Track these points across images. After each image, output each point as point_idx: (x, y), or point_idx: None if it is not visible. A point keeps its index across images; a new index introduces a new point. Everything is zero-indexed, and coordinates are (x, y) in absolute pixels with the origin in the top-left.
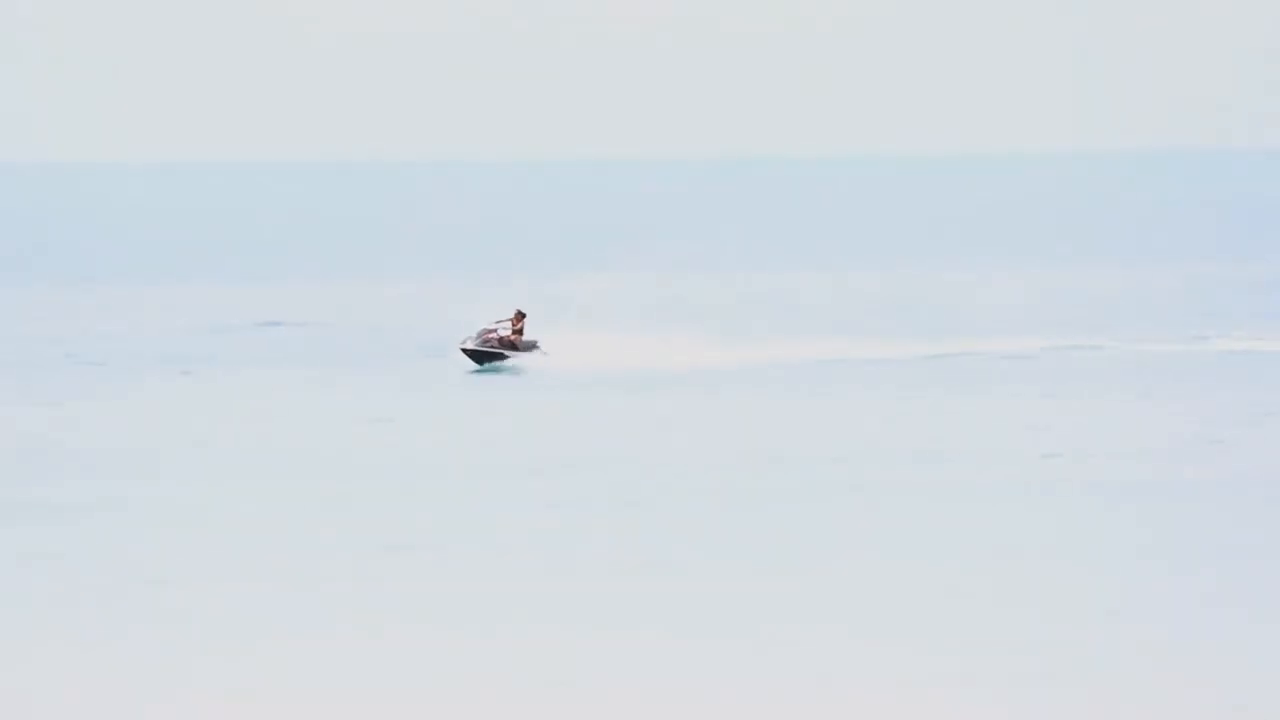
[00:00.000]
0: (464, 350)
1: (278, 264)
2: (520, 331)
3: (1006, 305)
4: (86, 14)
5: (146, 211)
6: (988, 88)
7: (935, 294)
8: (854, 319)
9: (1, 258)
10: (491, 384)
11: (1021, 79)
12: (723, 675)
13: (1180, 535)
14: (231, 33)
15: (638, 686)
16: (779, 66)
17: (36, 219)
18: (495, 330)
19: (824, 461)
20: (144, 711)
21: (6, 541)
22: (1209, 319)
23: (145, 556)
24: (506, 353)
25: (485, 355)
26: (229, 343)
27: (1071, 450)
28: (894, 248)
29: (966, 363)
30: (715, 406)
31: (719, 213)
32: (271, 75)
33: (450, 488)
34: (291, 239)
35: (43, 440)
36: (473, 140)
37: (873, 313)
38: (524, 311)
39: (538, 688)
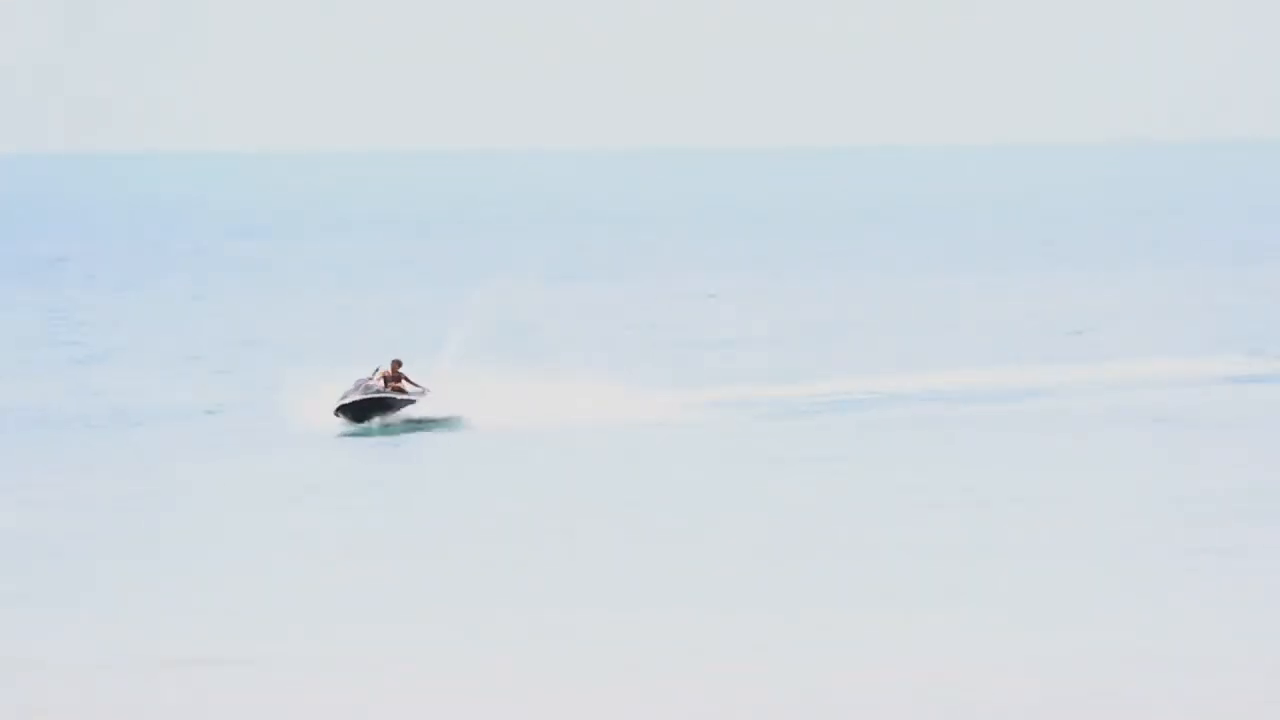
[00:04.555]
0: (341, 408)
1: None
2: (396, 379)
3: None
4: None
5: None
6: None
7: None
8: (786, 352)
9: None
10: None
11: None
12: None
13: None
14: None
15: None
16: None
17: None
18: (372, 383)
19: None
20: None
21: None
22: None
23: None
24: (391, 396)
25: (364, 406)
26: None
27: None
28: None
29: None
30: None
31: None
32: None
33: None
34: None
35: None
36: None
37: (808, 342)
38: (400, 360)
39: None
